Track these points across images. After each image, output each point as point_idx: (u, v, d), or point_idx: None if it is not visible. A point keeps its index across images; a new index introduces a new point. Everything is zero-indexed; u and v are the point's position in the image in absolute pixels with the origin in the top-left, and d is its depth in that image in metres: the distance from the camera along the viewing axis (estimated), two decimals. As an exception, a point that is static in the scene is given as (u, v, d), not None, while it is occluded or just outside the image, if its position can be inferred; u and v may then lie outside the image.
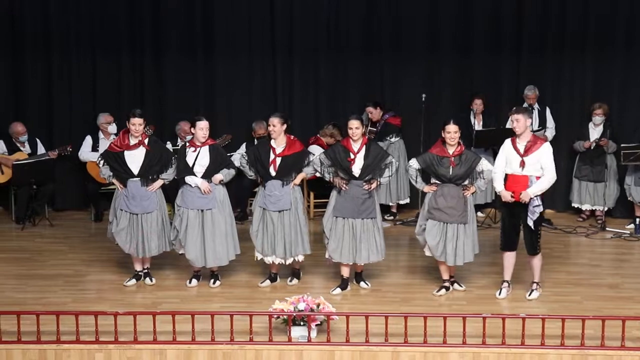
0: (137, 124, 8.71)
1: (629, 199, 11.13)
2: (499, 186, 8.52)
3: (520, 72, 11.71)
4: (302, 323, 7.54)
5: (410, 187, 11.60)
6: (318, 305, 7.60)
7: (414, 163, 8.74)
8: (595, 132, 11.25)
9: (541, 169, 8.35)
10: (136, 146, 8.78)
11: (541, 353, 7.36)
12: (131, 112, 8.79)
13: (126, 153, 8.76)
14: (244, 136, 11.59)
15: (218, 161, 8.80)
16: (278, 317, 7.60)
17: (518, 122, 8.41)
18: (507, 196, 8.41)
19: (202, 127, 8.71)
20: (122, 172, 8.78)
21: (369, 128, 11.49)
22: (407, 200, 11.71)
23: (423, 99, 11.24)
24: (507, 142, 8.53)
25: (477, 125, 11.41)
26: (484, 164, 8.62)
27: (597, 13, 11.48)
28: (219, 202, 8.82)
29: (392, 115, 11.51)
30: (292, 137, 8.90)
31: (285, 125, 8.79)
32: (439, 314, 7.64)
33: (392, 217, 11.61)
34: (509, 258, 8.68)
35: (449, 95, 11.77)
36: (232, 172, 8.91)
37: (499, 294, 8.68)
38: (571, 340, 7.36)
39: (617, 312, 7.93)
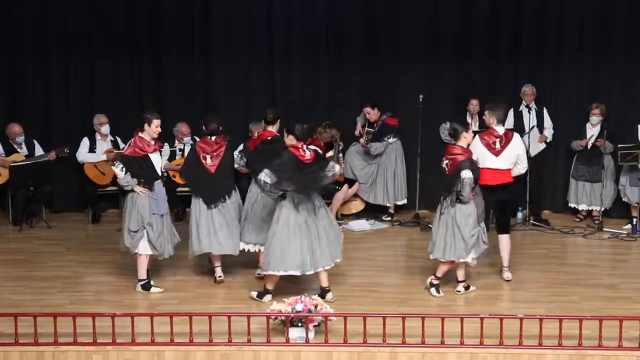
0: (159, 125, 8.63)
1: (623, 199, 11.13)
2: None
3: (519, 73, 11.71)
4: (300, 324, 7.53)
5: (407, 188, 11.62)
6: (316, 306, 7.60)
7: (470, 174, 8.31)
8: (592, 132, 11.24)
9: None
10: (155, 148, 8.73)
11: (539, 353, 7.36)
12: (151, 114, 8.63)
13: (151, 156, 8.64)
14: (242, 137, 11.58)
15: None
16: (276, 318, 7.59)
17: None
18: None
19: None
20: (148, 176, 8.58)
21: (367, 129, 11.49)
22: (405, 201, 11.71)
23: (420, 99, 11.24)
24: None
25: (474, 125, 11.39)
26: None
27: (596, 15, 11.48)
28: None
29: (390, 116, 11.49)
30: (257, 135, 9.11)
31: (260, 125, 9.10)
32: (436, 315, 7.63)
33: (389, 218, 11.60)
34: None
35: (447, 97, 11.76)
36: None
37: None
38: (569, 340, 7.36)
39: (614, 313, 7.93)
